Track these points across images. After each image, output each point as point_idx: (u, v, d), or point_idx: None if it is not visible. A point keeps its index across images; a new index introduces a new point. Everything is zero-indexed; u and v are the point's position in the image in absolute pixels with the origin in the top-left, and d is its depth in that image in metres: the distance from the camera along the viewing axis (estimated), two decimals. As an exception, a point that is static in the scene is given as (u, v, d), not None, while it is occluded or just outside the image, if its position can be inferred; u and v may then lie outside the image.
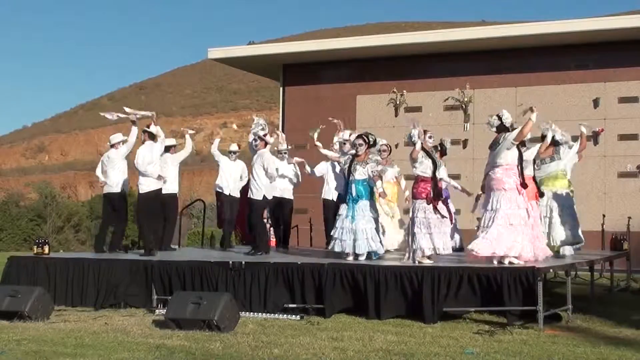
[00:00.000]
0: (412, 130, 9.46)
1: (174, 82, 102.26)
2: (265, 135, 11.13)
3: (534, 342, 7.40)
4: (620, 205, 15.31)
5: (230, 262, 9.55)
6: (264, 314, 9.08)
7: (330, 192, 12.06)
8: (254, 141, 11.29)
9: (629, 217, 13.38)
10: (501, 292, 8.38)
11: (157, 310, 9.34)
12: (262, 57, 18.62)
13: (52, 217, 30.87)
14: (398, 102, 17.05)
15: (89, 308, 9.92)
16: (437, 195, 9.30)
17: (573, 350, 6.97)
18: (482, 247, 8.97)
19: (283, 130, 18.22)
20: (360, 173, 9.95)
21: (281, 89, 18.63)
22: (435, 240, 9.22)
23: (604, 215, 13.90)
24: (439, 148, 11.46)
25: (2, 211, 30.00)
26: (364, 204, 9.93)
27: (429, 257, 9.25)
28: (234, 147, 13.70)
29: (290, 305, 9.16)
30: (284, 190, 12.49)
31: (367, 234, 9.85)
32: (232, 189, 13.07)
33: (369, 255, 9.90)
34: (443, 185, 10.24)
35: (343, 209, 10.03)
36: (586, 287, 11.14)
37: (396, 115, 17.14)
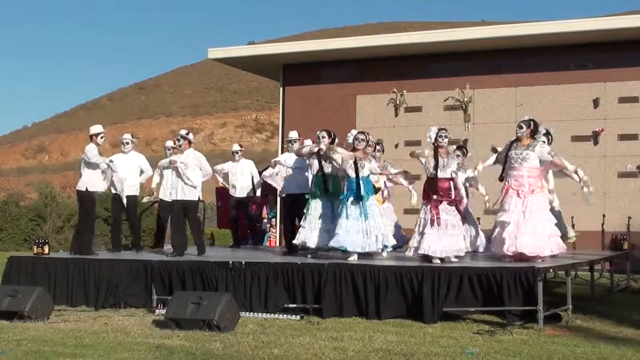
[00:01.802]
0: (428, 132, 9.54)
1: (174, 82, 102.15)
2: (187, 133, 11.09)
3: (534, 342, 7.40)
4: (620, 205, 15.30)
5: (230, 262, 9.55)
6: (264, 314, 9.08)
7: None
8: (177, 141, 11.21)
9: (629, 217, 13.38)
10: (501, 292, 8.38)
11: (157, 310, 9.34)
12: (262, 57, 18.61)
13: (52, 217, 30.80)
14: (398, 102, 17.05)
15: (89, 308, 9.92)
16: (433, 192, 9.31)
17: (573, 350, 6.96)
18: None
19: (283, 130, 18.25)
20: (367, 170, 9.97)
21: (281, 89, 18.62)
22: (449, 241, 9.24)
23: (604, 215, 13.90)
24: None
25: (2, 211, 29.92)
26: (372, 200, 9.95)
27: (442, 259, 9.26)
28: (235, 147, 13.72)
29: (290, 305, 9.16)
30: (301, 185, 11.60)
31: (380, 230, 9.86)
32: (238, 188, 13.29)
33: (382, 249, 9.94)
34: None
35: (351, 208, 9.89)
36: (586, 287, 11.15)
37: (396, 115, 17.14)
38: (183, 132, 11.13)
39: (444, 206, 9.28)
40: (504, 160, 9.78)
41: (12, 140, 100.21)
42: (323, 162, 10.54)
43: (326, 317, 8.83)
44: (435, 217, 9.22)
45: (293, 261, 9.69)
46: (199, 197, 11.03)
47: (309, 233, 10.46)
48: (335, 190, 10.44)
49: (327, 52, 17.76)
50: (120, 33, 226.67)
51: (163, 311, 8.79)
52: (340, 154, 10.21)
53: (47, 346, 7.20)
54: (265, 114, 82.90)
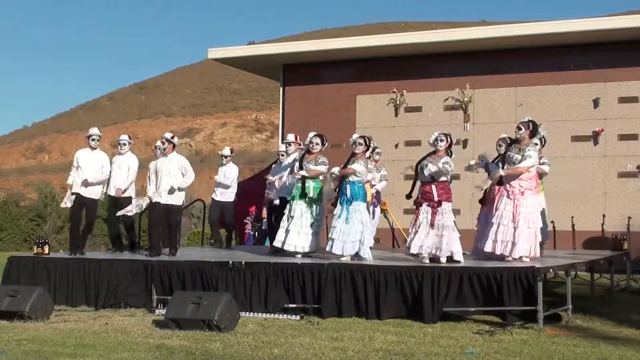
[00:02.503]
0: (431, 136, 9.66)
1: (174, 82, 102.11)
2: (172, 137, 11.00)
3: (534, 342, 7.40)
4: (620, 205, 15.29)
5: (230, 262, 9.56)
6: (264, 314, 9.09)
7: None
8: (161, 144, 11.12)
9: (629, 217, 13.38)
10: (501, 292, 8.38)
11: (157, 310, 9.34)
12: (262, 57, 18.61)
13: (52, 217, 30.86)
14: (398, 102, 17.04)
15: (89, 308, 9.93)
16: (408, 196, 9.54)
17: (573, 350, 6.97)
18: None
19: (283, 130, 18.26)
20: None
21: (281, 89, 18.62)
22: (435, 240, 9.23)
23: (604, 215, 13.91)
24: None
25: (2, 211, 29.98)
26: (358, 205, 9.90)
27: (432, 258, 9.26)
28: (226, 151, 13.61)
29: (290, 305, 9.16)
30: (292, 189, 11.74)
31: (359, 237, 9.82)
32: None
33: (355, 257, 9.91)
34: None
35: (337, 209, 9.94)
36: (586, 287, 11.15)
37: (396, 115, 17.13)
38: (168, 135, 11.03)
39: (424, 208, 9.35)
40: (502, 161, 9.84)
41: (12, 140, 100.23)
42: (304, 166, 10.50)
43: (326, 317, 8.84)
44: (415, 218, 9.43)
45: (293, 261, 9.69)
46: (182, 202, 11.06)
47: (297, 237, 10.44)
48: (316, 194, 10.46)
49: (327, 52, 17.76)
50: (120, 33, 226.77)
51: (163, 311, 8.79)
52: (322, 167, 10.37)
53: (47, 346, 7.21)
54: (265, 114, 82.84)
